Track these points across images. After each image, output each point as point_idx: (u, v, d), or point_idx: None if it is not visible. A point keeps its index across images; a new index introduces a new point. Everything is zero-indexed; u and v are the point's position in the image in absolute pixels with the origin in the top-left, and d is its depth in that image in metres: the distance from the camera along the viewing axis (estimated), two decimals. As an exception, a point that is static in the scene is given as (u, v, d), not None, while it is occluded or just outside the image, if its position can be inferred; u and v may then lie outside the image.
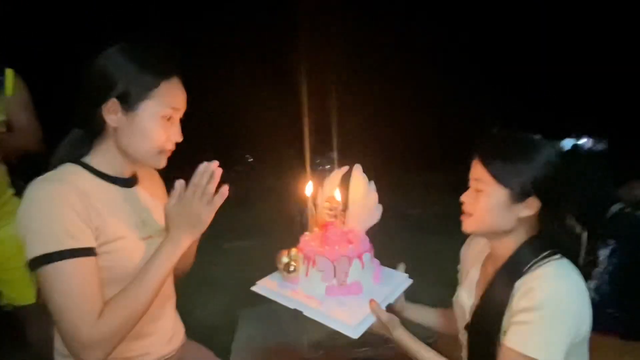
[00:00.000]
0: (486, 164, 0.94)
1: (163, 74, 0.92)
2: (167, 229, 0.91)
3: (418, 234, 4.82)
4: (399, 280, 1.12)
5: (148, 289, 0.87)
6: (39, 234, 0.82)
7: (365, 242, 1.06)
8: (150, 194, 1.08)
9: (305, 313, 0.97)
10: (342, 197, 1.09)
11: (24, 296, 1.64)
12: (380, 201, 1.12)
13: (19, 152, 1.65)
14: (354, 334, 0.89)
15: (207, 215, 0.89)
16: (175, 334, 1.11)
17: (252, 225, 5.11)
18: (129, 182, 1.02)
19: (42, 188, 0.86)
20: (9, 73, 1.62)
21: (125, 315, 0.84)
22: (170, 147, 0.97)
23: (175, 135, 0.96)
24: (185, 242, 0.90)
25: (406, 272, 1.18)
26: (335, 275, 0.99)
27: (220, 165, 0.87)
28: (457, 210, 1.09)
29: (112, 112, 0.90)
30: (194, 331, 1.23)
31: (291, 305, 1.00)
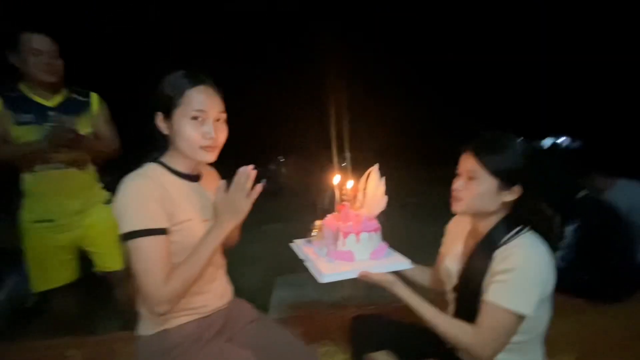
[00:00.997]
0: (480, 157, 0.93)
1: (187, 84, 0.94)
2: (215, 216, 0.95)
3: (415, 219, 4.78)
4: (397, 261, 1.07)
5: (200, 261, 0.92)
6: (128, 216, 0.88)
7: (368, 224, 1.06)
8: (209, 187, 1.11)
9: (305, 263, 1.09)
10: (356, 188, 1.13)
11: (111, 264, 1.73)
12: (386, 192, 1.13)
13: (103, 156, 1.73)
14: (320, 279, 0.93)
15: (246, 206, 0.93)
16: (225, 292, 1.15)
17: (284, 212, 5.18)
18: (194, 177, 1.05)
19: (132, 182, 0.92)
20: (94, 96, 1.71)
21: (184, 279, 0.90)
22: (207, 143, 0.95)
23: (208, 132, 0.94)
24: (229, 226, 0.94)
25: (406, 251, 1.15)
26: (333, 242, 1.02)
27: (257, 164, 0.90)
28: (448, 199, 1.07)
29: (161, 122, 0.97)
30: (240, 293, 1.27)
31: (300, 256, 1.09)
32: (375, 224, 1.08)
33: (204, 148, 0.96)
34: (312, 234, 1.14)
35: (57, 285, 1.67)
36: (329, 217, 1.12)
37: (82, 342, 1.51)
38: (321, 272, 0.93)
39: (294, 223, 1.20)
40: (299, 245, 1.17)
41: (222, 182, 0.95)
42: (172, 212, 0.93)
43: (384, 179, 1.12)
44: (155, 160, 1.00)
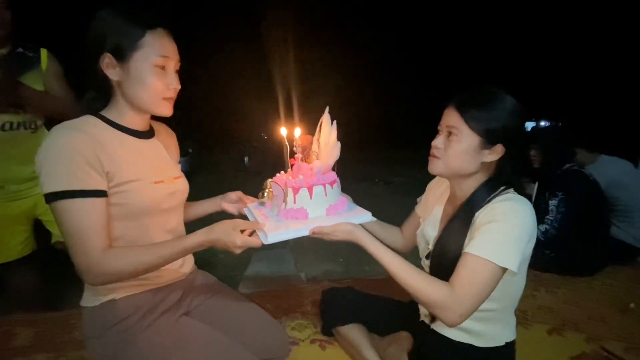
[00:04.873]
0: (462, 112, 0.85)
1: (147, 25, 0.82)
2: (206, 232, 0.81)
3: (400, 196, 4.81)
4: (355, 214, 0.92)
5: (158, 260, 0.80)
6: (51, 173, 0.75)
7: (322, 176, 0.92)
8: (165, 147, 1.00)
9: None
10: (308, 139, 1.01)
11: None
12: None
13: (57, 117, 1.57)
14: (265, 240, 0.81)
15: (232, 249, 0.81)
16: (185, 262, 1.06)
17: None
18: (144, 134, 0.94)
19: (59, 134, 0.78)
20: (43, 52, 1.54)
21: (128, 265, 0.78)
22: (170, 94, 0.87)
23: (172, 82, 0.87)
24: (205, 246, 0.82)
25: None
26: (284, 200, 0.90)
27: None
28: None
29: (110, 67, 0.82)
30: (217, 269, 1.17)
31: (250, 218, 0.96)
32: (331, 176, 0.94)
33: (167, 100, 0.87)
34: (264, 194, 1.00)
35: (9, 260, 1.53)
36: (279, 175, 0.99)
37: (33, 318, 1.39)
38: (265, 232, 0.81)
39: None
40: (250, 209, 1.03)
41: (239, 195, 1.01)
42: (112, 172, 0.81)
43: (335, 123, 0.98)
44: (94, 113, 0.87)
